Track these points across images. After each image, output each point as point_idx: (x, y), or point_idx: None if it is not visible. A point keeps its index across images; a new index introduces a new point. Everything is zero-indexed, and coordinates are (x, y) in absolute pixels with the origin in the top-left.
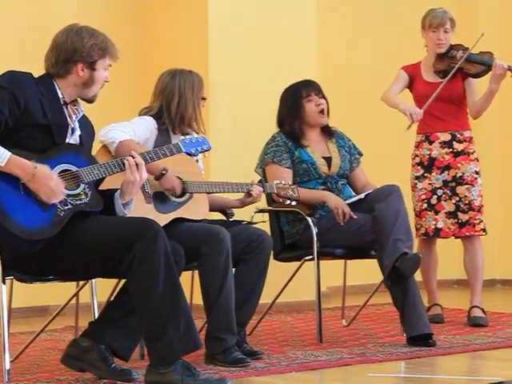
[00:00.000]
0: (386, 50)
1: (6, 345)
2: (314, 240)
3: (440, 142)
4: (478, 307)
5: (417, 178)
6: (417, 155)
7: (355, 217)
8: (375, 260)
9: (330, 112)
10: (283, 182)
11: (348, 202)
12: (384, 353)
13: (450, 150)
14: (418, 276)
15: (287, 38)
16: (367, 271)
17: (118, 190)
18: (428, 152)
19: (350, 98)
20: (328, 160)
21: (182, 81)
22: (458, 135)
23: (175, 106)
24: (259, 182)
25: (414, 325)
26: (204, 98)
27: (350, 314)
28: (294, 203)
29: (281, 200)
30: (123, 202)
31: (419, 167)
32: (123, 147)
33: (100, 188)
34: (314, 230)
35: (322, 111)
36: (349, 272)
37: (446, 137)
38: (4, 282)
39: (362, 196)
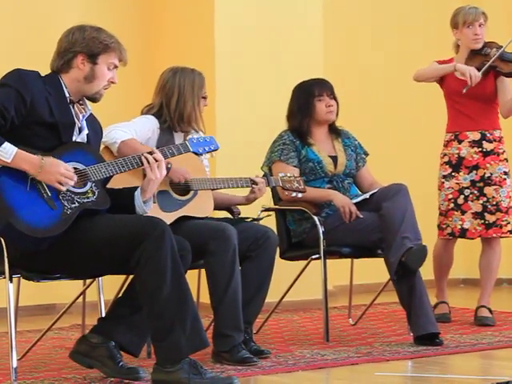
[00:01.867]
0: (395, 48)
1: (13, 343)
2: (321, 239)
3: (469, 141)
4: (485, 307)
5: (444, 176)
6: (445, 154)
7: (361, 216)
8: (382, 259)
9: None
10: (288, 175)
11: (354, 201)
12: (391, 352)
13: (480, 149)
14: (425, 275)
15: (294, 37)
16: (374, 270)
17: (134, 188)
18: (457, 151)
19: (356, 98)
20: (334, 159)
21: (182, 78)
22: (488, 134)
23: (174, 103)
24: (263, 176)
25: (420, 324)
26: (204, 97)
27: (357, 312)
28: (300, 195)
29: (286, 193)
30: (144, 199)
31: (447, 166)
32: (125, 147)
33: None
34: (321, 229)
35: (330, 112)
36: (355, 271)
37: (476, 136)
38: (11, 281)
39: (367, 196)
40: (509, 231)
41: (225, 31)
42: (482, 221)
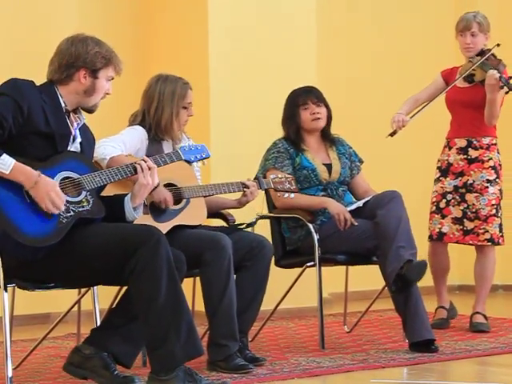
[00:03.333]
0: (388, 54)
1: (9, 352)
2: (316, 246)
3: (457, 148)
4: (480, 313)
5: (434, 181)
6: (439, 160)
7: (356, 223)
8: (377, 266)
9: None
10: (279, 176)
11: (348, 209)
12: (386, 359)
13: (465, 156)
14: (424, 281)
15: (287, 43)
16: (369, 277)
17: (124, 194)
18: (446, 157)
19: (351, 103)
20: (328, 167)
21: (163, 85)
22: (475, 142)
23: (153, 110)
24: (255, 179)
25: (416, 331)
26: (186, 108)
27: (352, 320)
28: (292, 195)
29: (279, 194)
30: (133, 205)
31: (437, 171)
32: (114, 163)
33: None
34: (316, 236)
35: (315, 119)
36: (350, 278)
37: (462, 143)
38: (6, 290)
39: (360, 204)
40: (486, 239)
41: (218, 37)
42: (461, 227)
